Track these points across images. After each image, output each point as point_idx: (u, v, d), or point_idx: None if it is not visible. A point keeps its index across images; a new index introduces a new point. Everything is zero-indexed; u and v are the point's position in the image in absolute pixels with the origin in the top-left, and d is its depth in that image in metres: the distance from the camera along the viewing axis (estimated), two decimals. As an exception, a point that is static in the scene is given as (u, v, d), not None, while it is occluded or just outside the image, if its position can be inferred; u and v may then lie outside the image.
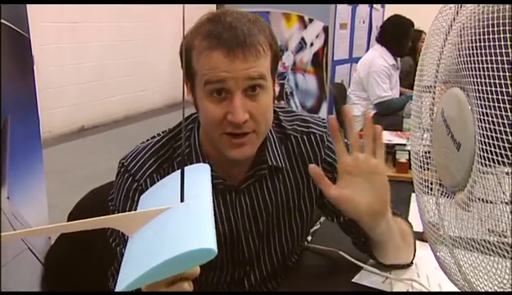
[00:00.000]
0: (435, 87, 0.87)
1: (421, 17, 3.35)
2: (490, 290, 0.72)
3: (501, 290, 0.69)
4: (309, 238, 1.40)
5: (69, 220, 1.36)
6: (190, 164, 1.07)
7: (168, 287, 0.71)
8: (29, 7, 1.36)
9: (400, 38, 3.70)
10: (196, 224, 0.63)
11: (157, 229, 0.64)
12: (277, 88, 1.11)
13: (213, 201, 1.09)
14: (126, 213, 0.65)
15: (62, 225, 0.60)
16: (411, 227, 1.20)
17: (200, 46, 0.98)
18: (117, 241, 1.04)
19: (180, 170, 0.70)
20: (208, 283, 1.16)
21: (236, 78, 0.96)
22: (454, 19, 0.79)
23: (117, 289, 0.59)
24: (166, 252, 0.58)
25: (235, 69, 0.95)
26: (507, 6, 0.65)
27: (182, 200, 0.65)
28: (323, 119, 1.22)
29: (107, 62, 6.66)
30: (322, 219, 1.53)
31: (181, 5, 0.63)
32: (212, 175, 1.07)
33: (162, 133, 1.14)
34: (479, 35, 0.67)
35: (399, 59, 3.87)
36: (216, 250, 0.59)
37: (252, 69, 0.97)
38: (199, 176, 0.69)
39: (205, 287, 1.17)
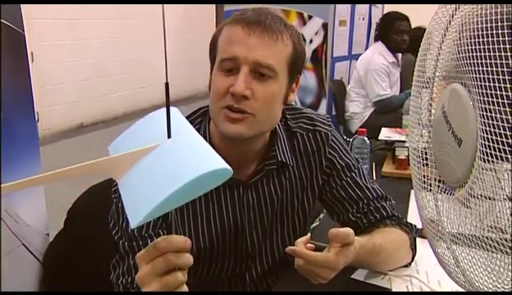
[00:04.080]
0: (433, 83, 0.87)
1: (421, 15, 3.34)
2: (489, 286, 0.72)
3: (500, 286, 0.69)
4: (309, 234, 1.40)
5: (68, 215, 1.37)
6: None
7: (162, 277, 0.70)
8: (28, 4, 1.36)
9: (388, 33, 3.70)
10: (201, 151, 0.63)
11: (154, 163, 0.62)
12: (294, 95, 1.11)
13: (221, 196, 1.11)
14: (113, 156, 0.64)
15: (52, 174, 0.59)
16: (410, 231, 1.19)
17: (225, 23, 1.03)
18: (120, 234, 1.03)
19: (148, 116, 0.72)
20: (209, 276, 1.17)
21: (247, 56, 0.98)
22: (453, 15, 0.79)
23: (134, 223, 0.58)
24: (181, 177, 0.57)
25: (248, 44, 0.98)
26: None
27: (169, 136, 0.65)
28: (328, 117, 1.23)
29: (105, 59, 6.66)
30: (322, 215, 1.53)
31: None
32: None
33: None
34: (480, 31, 0.67)
35: (400, 56, 3.86)
36: (231, 170, 0.60)
37: (264, 52, 0.99)
38: (173, 117, 0.68)
39: (206, 280, 1.17)
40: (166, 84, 0.66)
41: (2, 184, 0.55)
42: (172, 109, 0.69)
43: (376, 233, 1.13)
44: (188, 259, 0.71)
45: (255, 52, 0.98)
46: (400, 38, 3.67)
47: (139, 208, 0.59)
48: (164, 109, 0.68)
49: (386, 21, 3.76)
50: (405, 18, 3.70)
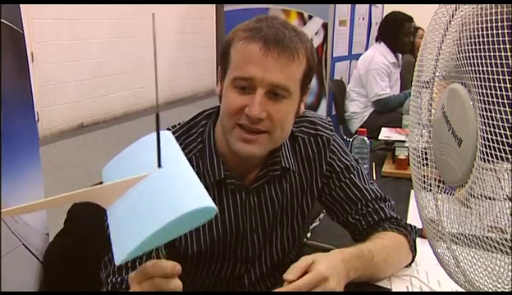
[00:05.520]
0: (433, 83, 0.87)
1: (421, 16, 3.34)
2: (489, 286, 0.72)
3: (500, 286, 0.69)
4: (309, 234, 1.40)
5: (68, 216, 1.36)
6: (202, 161, 1.08)
7: None
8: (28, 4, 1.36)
9: (396, 34, 3.69)
10: (187, 186, 0.62)
11: (141, 196, 0.62)
12: (303, 105, 1.11)
13: (223, 200, 1.11)
14: (103, 185, 0.64)
15: (43, 201, 0.59)
16: (408, 233, 1.18)
17: (240, 36, 1.00)
18: None
19: (142, 140, 0.70)
20: (208, 277, 1.17)
21: (263, 77, 0.97)
22: (452, 15, 0.79)
23: (118, 260, 0.58)
24: (166, 215, 0.57)
25: (265, 66, 0.97)
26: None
27: (159, 166, 0.64)
28: (329, 120, 1.23)
29: (106, 59, 6.66)
30: (322, 215, 1.53)
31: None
32: (224, 175, 1.07)
33: (172, 127, 1.14)
34: (480, 31, 0.67)
35: (400, 56, 3.85)
36: (216, 208, 0.58)
37: (280, 74, 0.98)
38: (165, 144, 0.67)
39: (204, 280, 1.17)
40: (157, 115, 0.64)
41: (3, 208, 0.56)
42: (165, 133, 0.69)
43: (371, 239, 1.13)
44: (176, 284, 0.73)
45: (272, 74, 0.97)
46: (408, 39, 3.69)
47: (124, 245, 0.59)
48: (161, 132, 0.68)
49: (393, 22, 3.73)
50: (412, 19, 3.72)
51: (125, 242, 0.59)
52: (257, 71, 0.97)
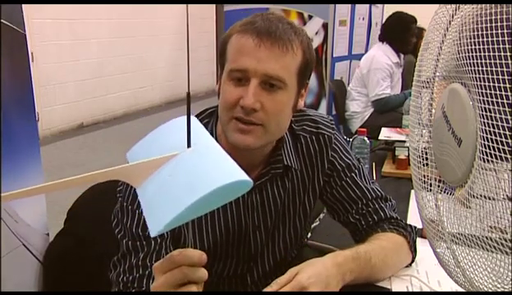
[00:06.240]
0: (434, 83, 0.87)
1: (421, 16, 3.34)
2: (489, 286, 0.72)
3: (500, 286, 0.69)
4: (309, 234, 1.40)
5: (68, 216, 1.37)
6: None
7: (176, 289, 0.71)
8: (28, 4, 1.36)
9: (401, 35, 3.70)
10: (221, 162, 0.64)
11: (174, 172, 0.63)
12: (303, 100, 1.11)
13: None
14: (132, 163, 0.65)
15: (66, 181, 0.59)
16: (408, 234, 1.18)
17: (235, 31, 1.02)
18: (123, 233, 1.04)
19: (166, 125, 0.72)
20: (211, 276, 1.16)
21: (256, 68, 0.98)
22: (453, 15, 0.79)
23: (155, 231, 0.59)
24: (202, 188, 0.58)
25: (258, 56, 0.98)
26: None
27: (189, 146, 0.65)
28: (331, 119, 1.23)
29: (106, 59, 6.66)
30: (322, 215, 1.53)
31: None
32: None
33: None
34: (480, 31, 0.67)
35: (402, 56, 3.86)
36: (251, 182, 0.60)
37: (273, 65, 0.98)
38: (193, 126, 0.69)
39: (207, 278, 1.17)
40: (188, 94, 0.66)
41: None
42: (191, 118, 0.69)
43: (369, 241, 1.13)
44: (203, 273, 0.73)
45: (265, 65, 0.98)
46: (414, 40, 3.71)
47: (159, 217, 0.60)
48: (182, 117, 0.69)
49: (399, 23, 3.74)
50: (416, 20, 3.75)
51: (160, 215, 0.60)
52: (250, 62, 0.98)
